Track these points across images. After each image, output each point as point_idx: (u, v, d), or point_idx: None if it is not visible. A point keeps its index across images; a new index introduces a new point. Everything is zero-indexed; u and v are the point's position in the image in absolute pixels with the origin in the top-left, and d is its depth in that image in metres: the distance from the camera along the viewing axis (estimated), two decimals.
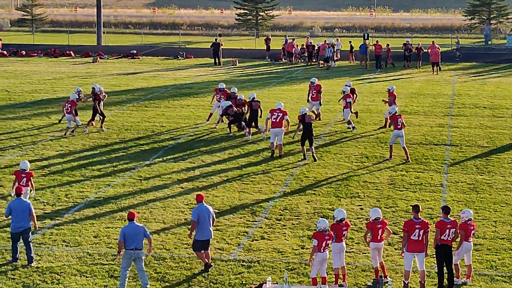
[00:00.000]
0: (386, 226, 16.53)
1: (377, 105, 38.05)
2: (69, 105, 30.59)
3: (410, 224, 15.85)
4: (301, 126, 26.78)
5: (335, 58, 56.51)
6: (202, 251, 17.02)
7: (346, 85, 33.19)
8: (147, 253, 16.36)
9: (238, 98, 31.20)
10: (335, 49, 56.61)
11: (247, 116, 30.50)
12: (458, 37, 66.55)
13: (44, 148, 28.54)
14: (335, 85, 45.14)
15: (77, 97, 31.34)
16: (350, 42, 59.98)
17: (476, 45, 73.52)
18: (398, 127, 26.65)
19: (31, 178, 20.69)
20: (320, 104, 33.83)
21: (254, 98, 30.56)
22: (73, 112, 30.57)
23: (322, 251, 15.69)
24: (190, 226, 19.73)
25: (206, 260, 17.09)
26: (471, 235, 16.41)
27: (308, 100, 33.93)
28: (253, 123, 30.43)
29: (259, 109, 30.35)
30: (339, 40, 60.47)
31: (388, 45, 55.91)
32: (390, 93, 32.34)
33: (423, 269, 15.95)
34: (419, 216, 16.02)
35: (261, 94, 41.04)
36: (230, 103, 30.70)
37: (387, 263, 17.49)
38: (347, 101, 31.61)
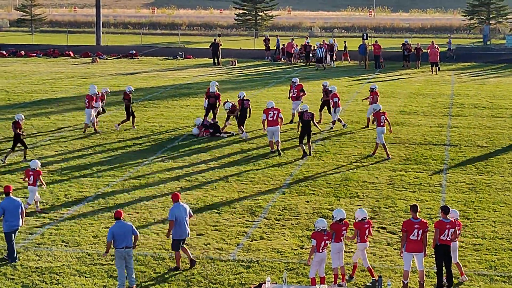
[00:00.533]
0: (371, 226, 16.69)
1: None
2: (87, 100, 30.89)
3: (409, 224, 15.86)
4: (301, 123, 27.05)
5: (334, 58, 56.64)
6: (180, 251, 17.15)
7: (323, 85, 33.16)
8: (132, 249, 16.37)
9: (228, 104, 31.06)
10: (334, 49, 56.77)
11: (238, 114, 30.43)
12: (450, 37, 66.62)
13: (43, 148, 28.53)
14: (334, 85, 45.08)
15: (95, 92, 31.52)
16: (344, 42, 60.05)
17: (475, 45, 73.56)
18: (381, 124, 27.06)
19: (39, 176, 20.88)
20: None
21: (244, 96, 30.60)
22: (91, 107, 30.93)
23: (321, 251, 15.69)
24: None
25: (177, 261, 17.13)
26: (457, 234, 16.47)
27: (289, 98, 33.95)
28: (243, 121, 30.41)
29: (248, 108, 30.39)
30: (335, 40, 60.49)
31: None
32: (374, 92, 32.40)
33: (422, 269, 15.95)
34: (418, 216, 16.02)
35: (261, 94, 41.07)
36: (231, 103, 30.89)
37: (386, 263, 17.50)
38: (334, 100, 31.72)
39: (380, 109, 27.64)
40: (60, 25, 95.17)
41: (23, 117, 27.33)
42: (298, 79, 34.29)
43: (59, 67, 54.47)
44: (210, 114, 31.77)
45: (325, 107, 32.90)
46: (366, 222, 16.48)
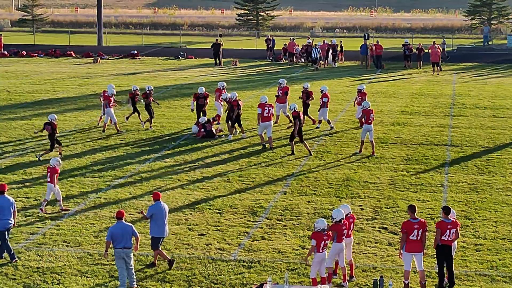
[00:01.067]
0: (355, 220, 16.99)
1: (378, 105, 38.04)
2: (107, 101, 31.15)
3: (408, 225, 15.86)
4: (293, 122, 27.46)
5: (336, 58, 56.73)
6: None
7: (303, 87, 33.04)
8: (134, 251, 16.37)
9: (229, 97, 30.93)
10: (338, 48, 56.91)
11: (235, 114, 30.36)
12: (444, 37, 66.61)
13: (45, 148, 28.51)
14: (336, 85, 45.15)
15: (114, 92, 31.59)
16: (340, 42, 59.99)
17: (477, 45, 73.53)
18: (369, 121, 27.46)
19: (54, 175, 20.93)
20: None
21: (236, 97, 30.60)
22: (109, 106, 31.12)
23: (321, 251, 15.67)
24: (190, 227, 19.84)
25: (164, 257, 17.24)
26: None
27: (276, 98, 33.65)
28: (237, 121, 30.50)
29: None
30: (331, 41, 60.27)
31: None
32: (362, 92, 32.35)
33: (422, 269, 15.95)
34: (416, 216, 16.03)
35: (262, 94, 41.03)
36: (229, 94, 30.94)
37: (388, 263, 17.49)
38: (323, 100, 31.81)
39: (369, 106, 27.90)
40: (62, 25, 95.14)
41: (56, 117, 27.54)
42: (285, 81, 34.26)
43: (61, 67, 54.48)
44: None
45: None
46: (351, 217, 16.58)
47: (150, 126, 31.95)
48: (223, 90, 32.79)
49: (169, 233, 19.36)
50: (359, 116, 30.80)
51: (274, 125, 32.17)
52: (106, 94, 31.55)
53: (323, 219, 16.17)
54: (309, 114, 32.64)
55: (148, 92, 32.09)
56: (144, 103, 32.11)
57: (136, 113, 32.54)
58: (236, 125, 30.37)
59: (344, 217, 16.21)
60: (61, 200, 21.32)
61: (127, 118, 33.14)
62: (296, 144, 27.94)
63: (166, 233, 17.30)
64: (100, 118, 32.47)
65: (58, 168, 21.31)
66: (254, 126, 32.10)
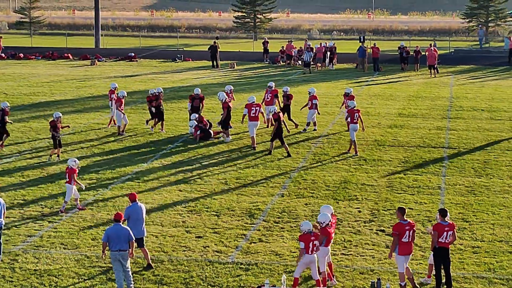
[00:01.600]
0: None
1: (375, 107, 38.08)
2: (119, 103, 31.24)
3: (400, 227, 15.91)
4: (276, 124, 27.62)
5: (334, 61, 56.77)
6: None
7: (283, 90, 32.96)
8: (130, 257, 16.27)
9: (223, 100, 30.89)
10: (333, 52, 56.92)
11: (224, 116, 30.32)
12: (434, 39, 66.67)
13: (42, 151, 28.52)
14: (333, 88, 45.21)
15: (125, 94, 31.83)
16: (333, 43, 59.95)
17: (474, 47, 73.61)
18: (354, 121, 27.92)
19: (73, 175, 21.04)
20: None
21: (226, 99, 30.58)
22: (118, 109, 31.19)
23: (310, 253, 15.66)
24: (187, 229, 19.85)
25: (147, 260, 17.32)
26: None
27: (262, 102, 33.15)
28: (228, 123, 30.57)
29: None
30: (326, 43, 60.25)
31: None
32: (350, 96, 32.19)
33: (407, 266, 16.02)
34: (405, 218, 16.09)
35: (260, 96, 41.04)
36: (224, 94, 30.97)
37: (385, 265, 17.49)
38: (313, 102, 31.86)
39: (354, 106, 28.31)
40: (59, 27, 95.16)
41: (61, 114, 27.63)
42: (273, 84, 34.17)
43: (58, 70, 54.46)
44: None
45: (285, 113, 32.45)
46: (332, 217, 16.67)
47: (152, 127, 31.97)
48: (230, 94, 32.79)
49: (166, 235, 19.41)
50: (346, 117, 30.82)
51: (266, 128, 32.05)
52: (118, 96, 31.54)
53: (307, 221, 16.23)
54: (290, 118, 32.48)
55: (157, 94, 32.13)
56: (154, 105, 32.07)
57: (157, 119, 32.28)
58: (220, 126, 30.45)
59: (331, 219, 16.25)
60: (78, 200, 21.51)
61: (155, 124, 32.53)
62: (290, 146, 27.97)
63: (143, 233, 17.40)
64: (112, 121, 32.50)
65: (76, 168, 21.35)
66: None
